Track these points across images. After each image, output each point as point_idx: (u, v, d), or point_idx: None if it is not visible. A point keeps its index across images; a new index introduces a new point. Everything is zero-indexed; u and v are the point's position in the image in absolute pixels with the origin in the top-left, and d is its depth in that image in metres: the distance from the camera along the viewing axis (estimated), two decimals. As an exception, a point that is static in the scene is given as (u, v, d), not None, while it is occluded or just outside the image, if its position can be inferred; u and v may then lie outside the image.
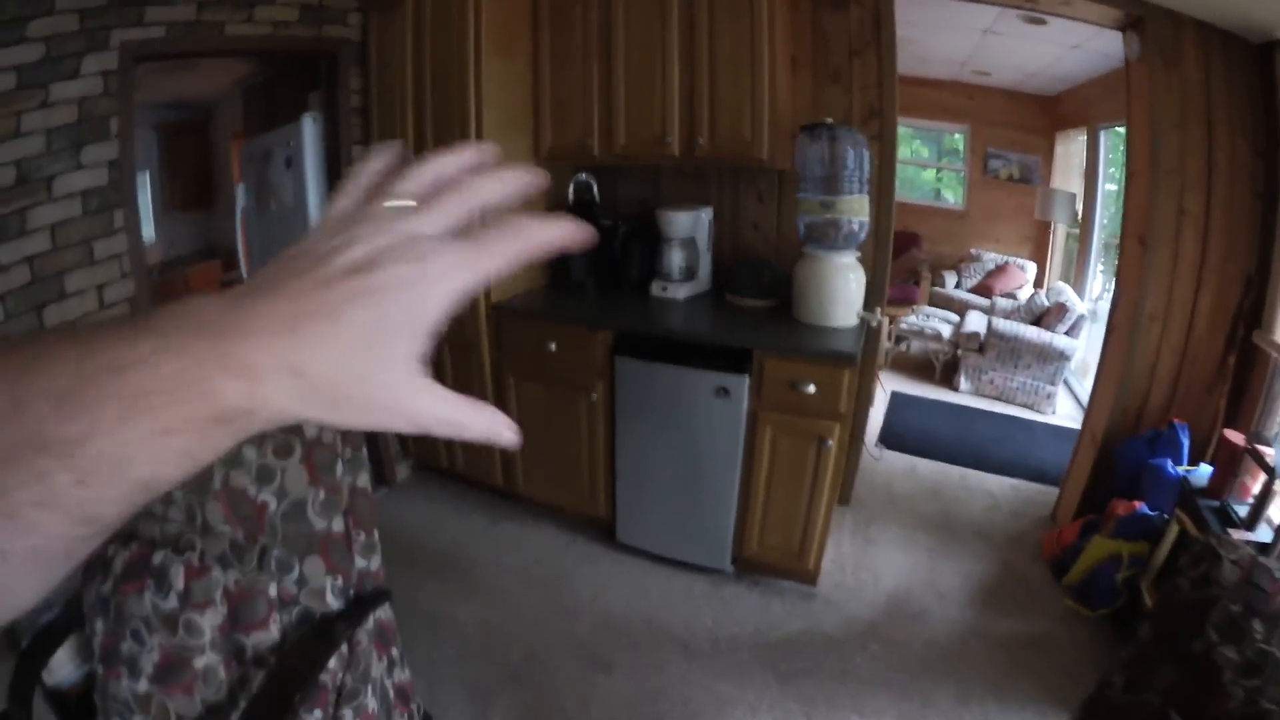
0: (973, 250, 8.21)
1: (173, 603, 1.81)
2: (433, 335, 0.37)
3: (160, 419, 0.30)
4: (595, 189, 3.73)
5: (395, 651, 2.18)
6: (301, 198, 3.90)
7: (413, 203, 0.40)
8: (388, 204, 0.40)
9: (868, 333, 3.25)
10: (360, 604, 2.01)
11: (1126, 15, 3.20)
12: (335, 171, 3.86)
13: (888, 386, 5.90)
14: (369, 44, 3.77)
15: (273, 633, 1.87)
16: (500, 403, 3.57)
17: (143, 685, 1.82)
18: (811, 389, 2.82)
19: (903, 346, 6.78)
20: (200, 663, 1.79)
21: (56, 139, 2.74)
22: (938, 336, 6.31)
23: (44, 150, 2.71)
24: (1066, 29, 4.62)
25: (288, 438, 1.92)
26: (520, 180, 0.44)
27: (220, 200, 7.17)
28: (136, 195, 3.14)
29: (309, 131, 3.82)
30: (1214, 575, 2.00)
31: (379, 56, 3.70)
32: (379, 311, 0.35)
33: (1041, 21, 4.76)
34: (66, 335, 0.31)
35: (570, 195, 3.72)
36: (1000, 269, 7.76)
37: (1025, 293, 7.12)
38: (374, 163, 0.44)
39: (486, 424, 0.41)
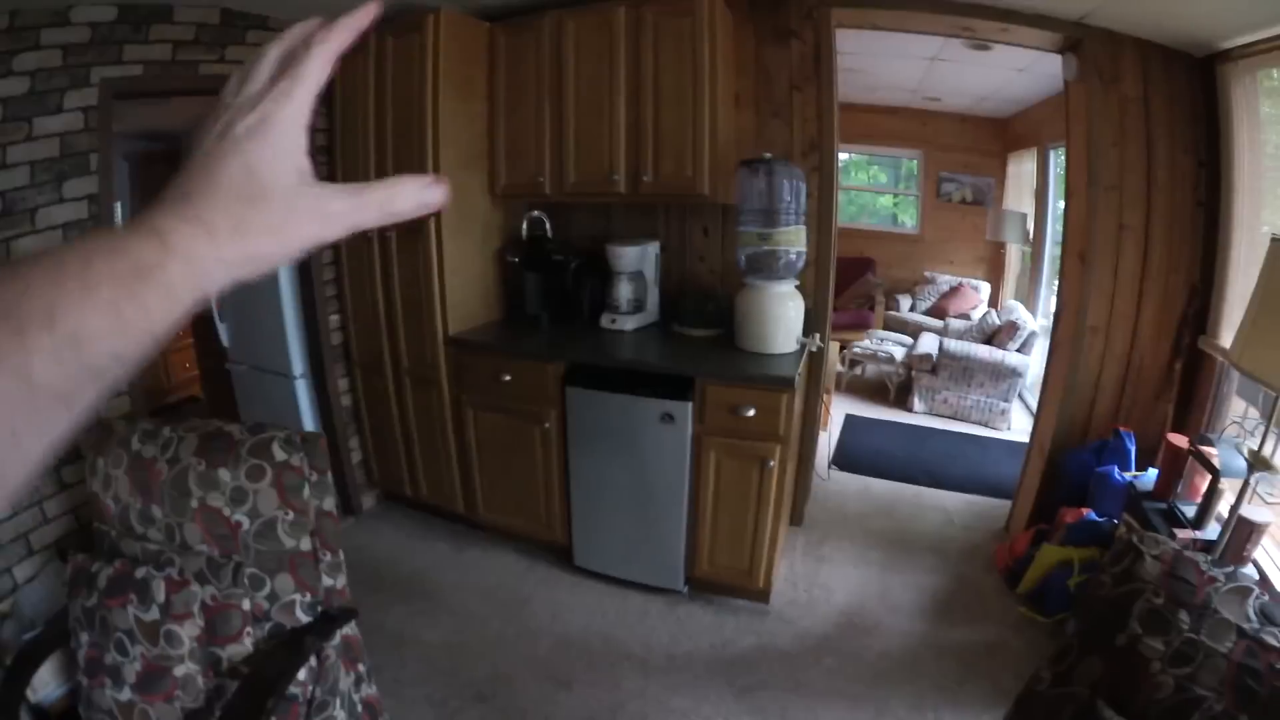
0: (927, 273, 8.34)
1: (154, 614, 1.93)
2: (301, 150, 0.45)
3: (84, 277, 0.35)
4: (548, 225, 3.87)
5: (362, 667, 2.29)
6: None
7: (233, 94, 0.46)
8: (223, 103, 0.46)
9: (810, 357, 3.38)
10: (328, 620, 2.13)
11: (1065, 38, 3.30)
12: None
13: (843, 410, 6.03)
14: (333, 84, 3.84)
15: (246, 645, 2.01)
16: (460, 433, 3.74)
17: (125, 694, 1.94)
18: (751, 412, 2.95)
19: (857, 370, 6.89)
20: (180, 671, 1.91)
21: (39, 172, 2.83)
22: (891, 359, 6.43)
23: (28, 182, 2.80)
24: (1011, 54, 4.70)
25: (260, 463, 2.06)
26: (301, 27, 0.49)
27: None
28: (113, 225, 3.19)
29: None
30: (1135, 571, 2.11)
31: (343, 96, 3.81)
32: (246, 155, 0.42)
33: (986, 47, 4.85)
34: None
35: (524, 231, 3.86)
36: (954, 290, 7.89)
37: (979, 313, 7.23)
38: (227, 86, 0.48)
39: (414, 192, 0.49)
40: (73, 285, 0.34)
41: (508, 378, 3.46)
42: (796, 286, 3.27)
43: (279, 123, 0.44)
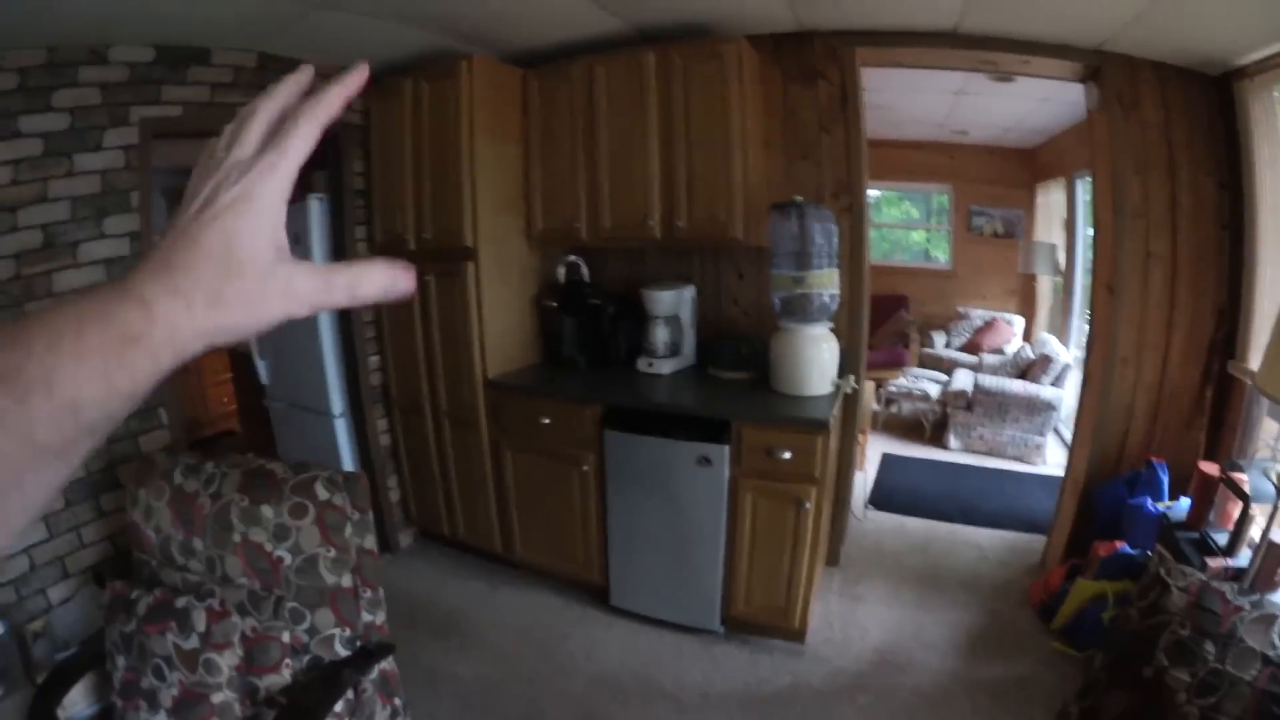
0: (960, 308, 8.28)
1: (194, 643, 1.98)
2: (280, 226, 0.47)
3: (79, 345, 0.38)
4: (584, 269, 3.93)
5: (398, 701, 2.33)
6: None
7: (224, 149, 0.48)
8: (211, 161, 0.47)
9: (845, 399, 3.40)
10: (366, 654, 2.17)
11: (1085, 67, 3.32)
12: (340, 249, 4.05)
13: (879, 449, 6.01)
14: (370, 128, 3.97)
15: (284, 676, 2.06)
16: (498, 474, 3.79)
17: (161, 718, 1.99)
18: (787, 455, 2.97)
19: (893, 409, 6.86)
20: (217, 699, 1.96)
21: (81, 207, 2.92)
22: (926, 397, 6.42)
23: (69, 217, 2.89)
24: (1034, 84, 4.69)
25: (303, 501, 2.11)
26: (293, 81, 0.51)
27: None
28: None
29: (315, 211, 4.01)
30: (1162, 603, 2.12)
31: (380, 140, 3.90)
32: (226, 228, 0.44)
33: (1009, 79, 4.86)
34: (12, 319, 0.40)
35: (561, 275, 3.93)
36: (988, 325, 7.84)
37: (1013, 347, 7.20)
38: (206, 149, 0.50)
39: (381, 277, 0.50)
40: (68, 354, 0.38)
41: (546, 420, 3.52)
42: (831, 328, 3.29)
43: (260, 197, 0.45)
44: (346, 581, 2.15)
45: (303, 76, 0.51)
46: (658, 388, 3.52)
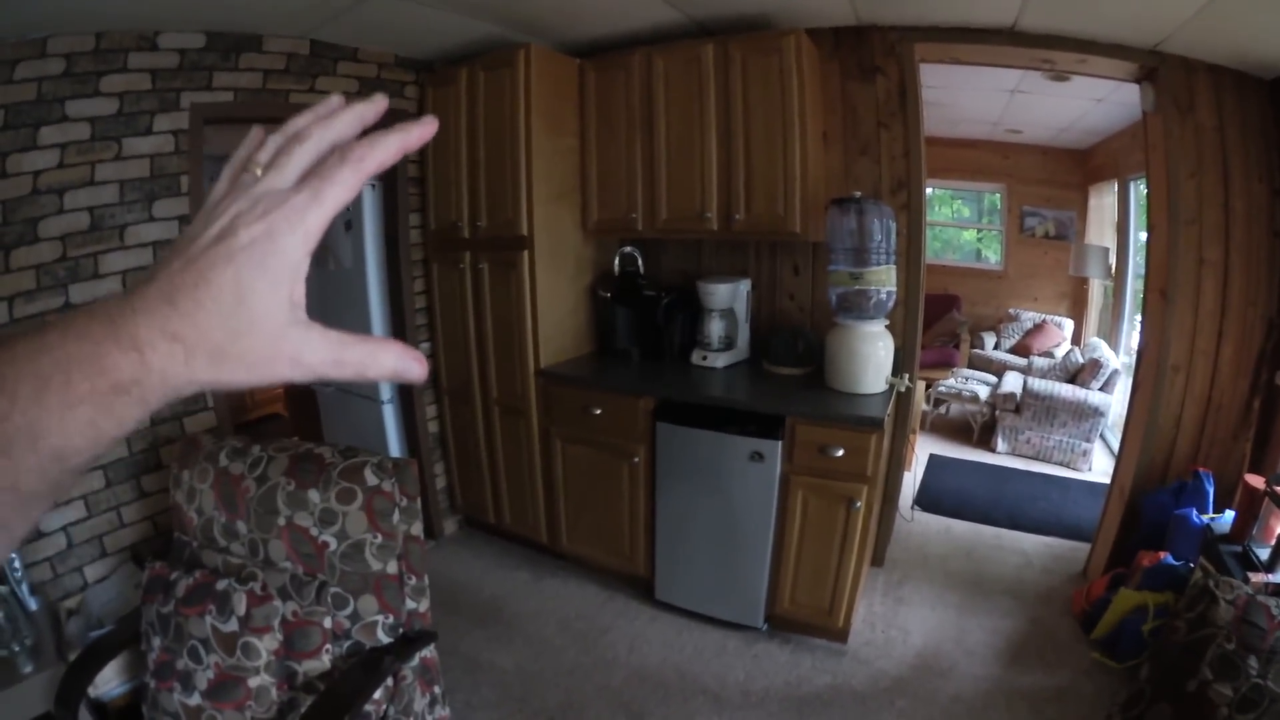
0: (1011, 310, 8.25)
1: (233, 626, 1.98)
2: (299, 278, 0.43)
3: (66, 394, 0.36)
4: (640, 261, 3.95)
5: (438, 689, 2.35)
6: (361, 260, 4.13)
7: (263, 167, 0.44)
8: (246, 174, 0.44)
9: (897, 398, 3.39)
10: (408, 642, 2.17)
11: (1141, 67, 3.29)
12: (393, 237, 4.10)
13: (926, 449, 6.01)
14: (424, 115, 3.98)
15: (324, 661, 2.06)
16: (547, 464, 3.82)
17: (195, 699, 2.00)
18: (840, 453, 2.97)
19: (941, 410, 6.84)
20: (254, 683, 1.96)
21: (129, 190, 2.95)
22: (975, 398, 6.40)
23: (117, 200, 2.92)
24: (1089, 84, 4.66)
25: (351, 486, 2.11)
26: (358, 114, 0.47)
27: None
28: None
29: (368, 197, 4.05)
30: (1210, 616, 2.11)
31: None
32: (241, 270, 0.40)
33: (1065, 78, 4.83)
34: None
35: (616, 266, 3.95)
36: (1038, 328, 7.81)
37: (1063, 350, 7.15)
38: (241, 149, 0.47)
39: (393, 361, 0.46)
40: (55, 405, 0.36)
41: (598, 411, 3.54)
42: (886, 326, 3.28)
43: (285, 245, 0.41)
44: (392, 568, 2.15)
45: (369, 110, 0.48)
46: (711, 381, 3.52)
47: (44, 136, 2.71)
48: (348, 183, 0.43)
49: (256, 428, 6.43)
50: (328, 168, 0.43)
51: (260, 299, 0.40)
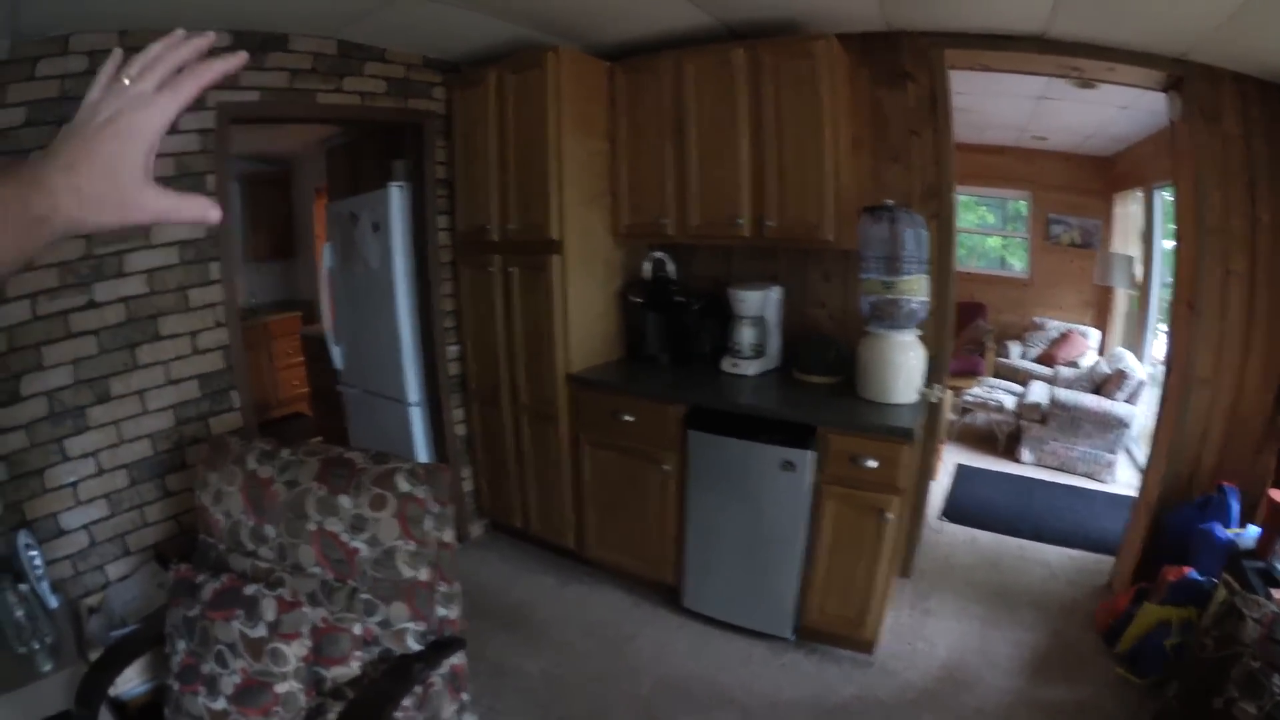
0: (1036, 319, 8.23)
1: (261, 631, 1.96)
2: (154, 151, 0.61)
3: (3, 220, 0.53)
4: (670, 265, 3.96)
5: (465, 697, 2.34)
6: (388, 261, 4.15)
7: (131, 78, 0.62)
8: (117, 83, 0.62)
9: (928, 408, 3.38)
10: (438, 649, 2.16)
11: (1168, 76, 3.29)
12: (421, 238, 4.12)
13: (953, 459, 6.00)
14: (453, 117, 4.03)
15: (353, 668, 2.05)
16: (575, 469, 3.84)
17: (220, 703, 1.97)
18: (872, 463, 2.97)
19: (967, 419, 6.82)
20: (282, 689, 1.94)
21: None
22: (1001, 408, 6.38)
23: None
24: (1115, 91, 4.64)
25: (383, 493, 2.10)
26: (194, 45, 0.66)
27: (300, 253, 7.56)
28: (234, 250, 3.39)
29: (396, 199, 4.08)
30: (1237, 633, 2.11)
31: (463, 130, 3.96)
32: (120, 143, 0.58)
33: (1091, 86, 4.83)
34: None
35: (647, 271, 3.97)
36: (1063, 337, 7.79)
37: (1088, 360, 7.13)
38: (108, 66, 0.65)
39: (196, 209, 0.65)
40: None
41: (628, 418, 3.56)
42: (919, 335, 3.28)
43: (149, 127, 0.60)
44: (424, 575, 2.14)
45: (203, 42, 0.67)
46: (742, 389, 3.52)
47: (66, 134, 2.75)
48: (192, 87, 0.63)
49: (280, 427, 6.50)
50: (180, 77, 0.63)
51: (128, 164, 0.59)
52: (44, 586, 2.73)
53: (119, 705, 2.59)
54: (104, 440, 3.02)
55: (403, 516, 2.10)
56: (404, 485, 2.11)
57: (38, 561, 2.73)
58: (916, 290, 3.19)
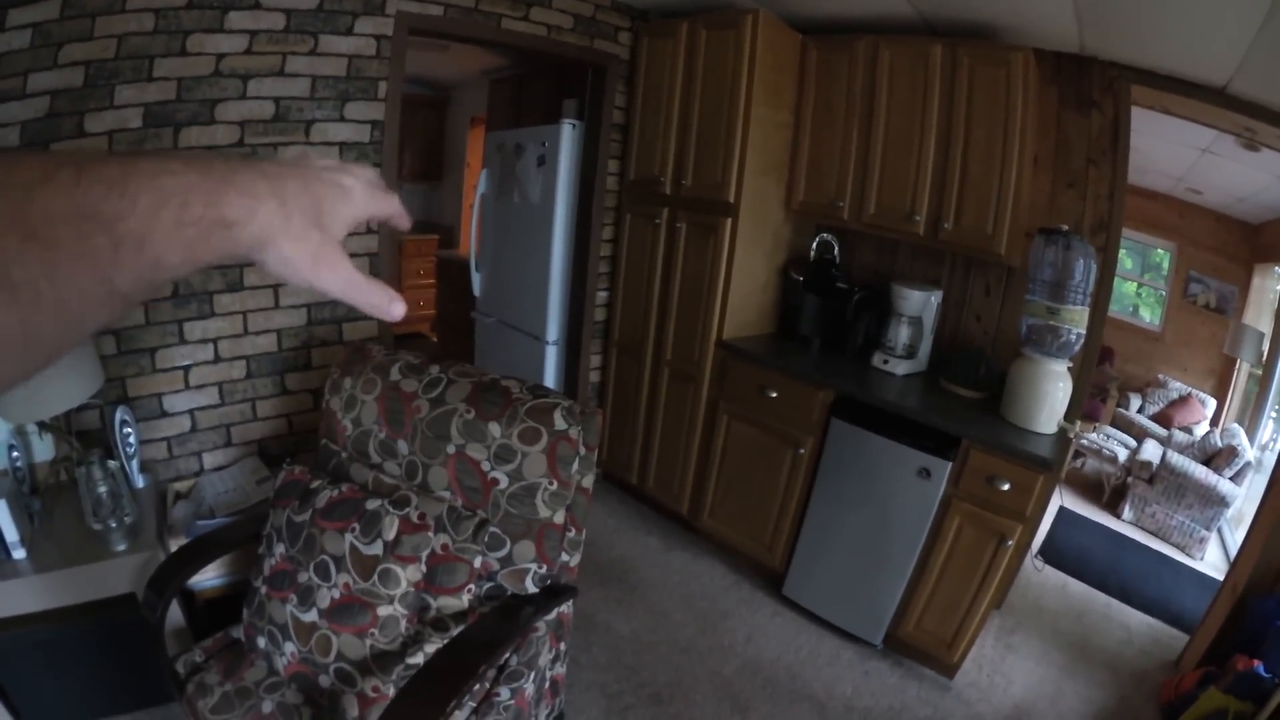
0: (1160, 375, 8.19)
1: (376, 549, 1.96)
2: (349, 227, 0.59)
3: (181, 215, 0.42)
4: (836, 249, 4.06)
5: (563, 646, 2.41)
6: (550, 196, 4.27)
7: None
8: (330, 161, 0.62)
9: (1063, 443, 3.44)
10: (551, 594, 2.18)
11: None
12: (588, 178, 4.23)
13: (1056, 502, 6.04)
14: (637, 64, 4.14)
15: (463, 600, 2.03)
16: (707, 437, 3.97)
17: (311, 615, 1.97)
18: (1006, 487, 3.04)
19: (1078, 463, 6.84)
20: (384, 611, 1.93)
21: (321, 87, 3.08)
22: (1114, 459, 6.42)
23: (307, 94, 3.06)
24: (1276, 159, 4.71)
25: (536, 426, 2.09)
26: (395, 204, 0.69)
27: (446, 179, 7.82)
28: (396, 158, 3.48)
29: (568, 136, 4.20)
30: None
31: (647, 79, 4.08)
32: (335, 197, 0.56)
33: (1257, 148, 4.86)
34: (114, 152, 0.44)
35: (813, 251, 4.08)
36: (1183, 399, 7.76)
37: (1201, 428, 7.12)
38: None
39: (381, 297, 0.60)
40: (169, 221, 0.42)
41: (773, 394, 3.67)
42: (1069, 367, 3.33)
43: (360, 199, 0.60)
44: (559, 517, 2.15)
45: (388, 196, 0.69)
46: (889, 387, 3.59)
47: (232, 21, 2.82)
48: (383, 205, 0.66)
49: (399, 344, 6.59)
50: (384, 191, 0.66)
51: (336, 218, 0.57)
52: (133, 465, 2.80)
53: (186, 593, 2.65)
54: (228, 328, 3.13)
55: (552, 454, 2.09)
56: (560, 423, 2.11)
57: (132, 439, 2.79)
58: (1078, 321, 3.23)
